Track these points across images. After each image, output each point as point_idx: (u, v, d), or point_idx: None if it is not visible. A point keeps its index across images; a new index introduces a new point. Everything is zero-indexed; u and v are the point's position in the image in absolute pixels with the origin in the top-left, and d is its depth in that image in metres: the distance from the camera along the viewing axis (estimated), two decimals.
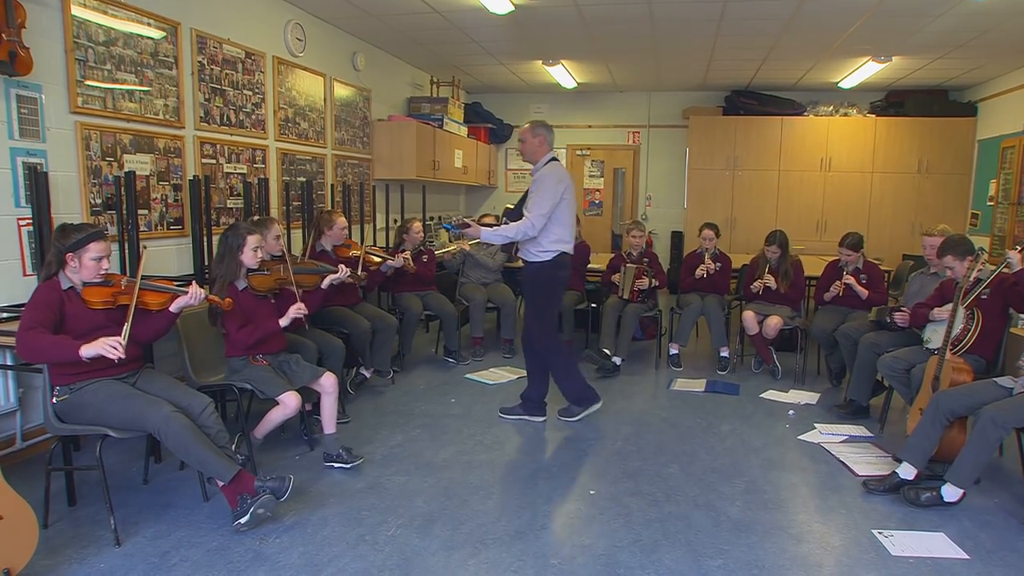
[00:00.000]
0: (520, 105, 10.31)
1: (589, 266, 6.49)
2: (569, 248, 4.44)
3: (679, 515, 3.35)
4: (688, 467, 3.94)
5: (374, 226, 7.20)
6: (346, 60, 6.81)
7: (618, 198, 10.52)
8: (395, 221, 7.27)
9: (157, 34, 4.46)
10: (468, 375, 5.71)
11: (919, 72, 7.94)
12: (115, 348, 2.80)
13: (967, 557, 3.00)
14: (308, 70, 6.10)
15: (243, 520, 3.04)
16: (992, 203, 7.91)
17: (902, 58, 7.26)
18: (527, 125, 4.47)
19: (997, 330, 4.06)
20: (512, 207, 4.66)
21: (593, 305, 6.24)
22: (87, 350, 2.79)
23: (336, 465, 3.78)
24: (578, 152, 10.43)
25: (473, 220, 4.54)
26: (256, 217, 4.79)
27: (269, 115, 5.58)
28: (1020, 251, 3.84)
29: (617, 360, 5.72)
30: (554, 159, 4.45)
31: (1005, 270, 3.85)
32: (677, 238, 9.86)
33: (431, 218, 8.54)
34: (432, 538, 3.08)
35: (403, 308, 5.70)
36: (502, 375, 5.71)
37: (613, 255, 6.45)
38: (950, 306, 4.00)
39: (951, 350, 3.93)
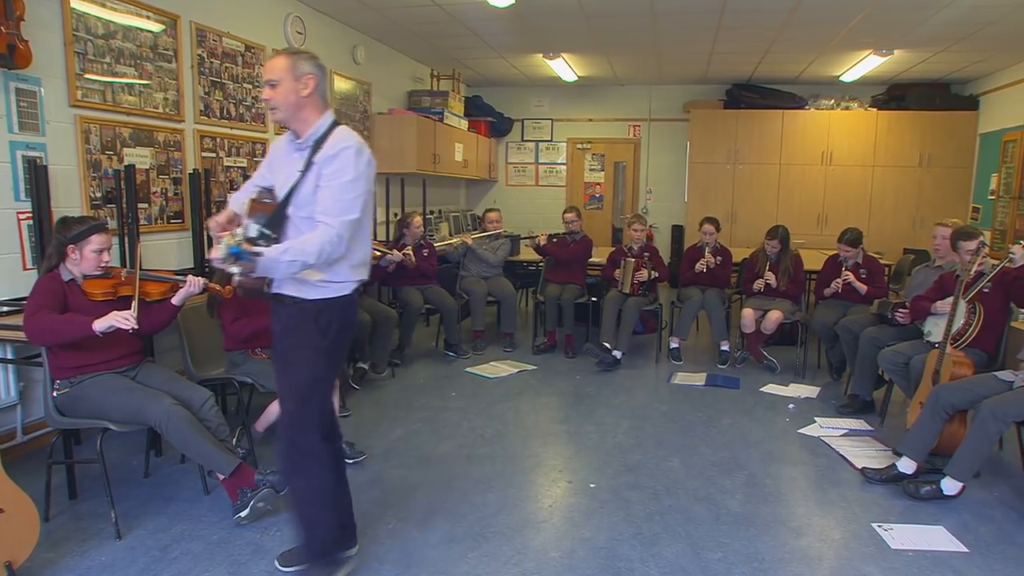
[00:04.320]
0: (521, 98, 10.30)
1: (590, 260, 6.49)
2: (367, 274, 2.66)
3: (679, 508, 3.35)
4: (688, 461, 3.94)
5: (374, 220, 7.19)
6: (346, 53, 6.80)
7: (619, 192, 10.50)
8: (395, 215, 7.26)
9: (156, 27, 4.45)
10: (468, 368, 5.71)
11: (921, 65, 7.92)
12: (127, 319, 2.83)
13: (966, 550, 3.01)
14: None
15: (243, 514, 3.04)
16: (993, 197, 7.89)
17: (904, 51, 7.24)
18: (282, 56, 2.46)
19: (998, 324, 4.07)
20: (266, 201, 2.49)
21: (594, 299, 6.24)
22: (100, 324, 2.84)
23: None
24: (579, 146, 10.41)
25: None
26: None
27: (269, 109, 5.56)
28: (1023, 245, 3.86)
29: (618, 354, 5.72)
30: (336, 122, 2.52)
31: (1008, 264, 3.86)
32: (678, 232, 9.85)
33: (432, 212, 8.54)
34: (432, 531, 3.09)
35: (403, 302, 5.70)
36: (503, 369, 5.72)
37: (614, 249, 6.44)
38: (951, 299, 4.00)
39: (952, 344, 3.93)
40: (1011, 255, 3.79)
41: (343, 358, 2.85)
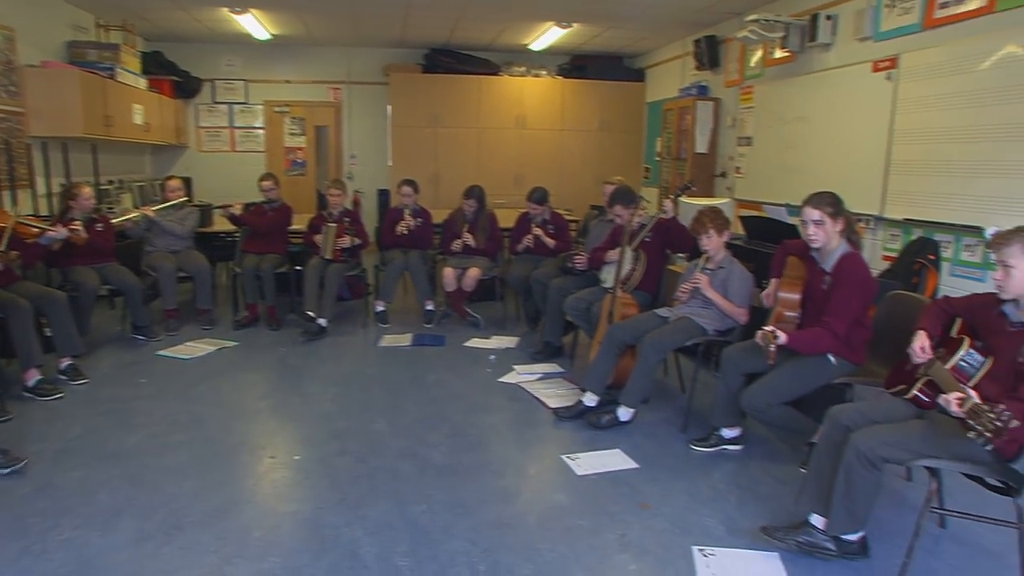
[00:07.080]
0: (210, 56, 9.53)
1: (292, 228, 6.25)
2: None
3: (385, 468, 3.39)
4: (395, 421, 4.00)
5: (33, 192, 6.22)
6: None
7: (322, 157, 10.23)
8: (61, 185, 6.36)
9: None
10: (161, 352, 5.22)
11: (597, 39, 8.70)
12: None
13: (637, 466, 3.45)
14: None
15: None
16: (659, 158, 8.97)
17: (581, 25, 7.88)
18: None
19: (658, 268, 4.65)
20: None
21: (298, 268, 6.02)
22: None
23: None
24: (276, 109, 9.92)
25: None
26: None
27: None
28: (671, 199, 4.47)
29: (323, 322, 5.59)
30: None
31: (662, 216, 4.44)
32: (385, 196, 9.87)
33: (110, 182, 7.62)
34: (117, 533, 2.80)
35: (75, 283, 5.02)
36: (200, 348, 5.31)
37: (315, 216, 6.27)
38: (620, 249, 4.49)
39: (621, 288, 4.41)
40: (664, 209, 4.37)
41: None
